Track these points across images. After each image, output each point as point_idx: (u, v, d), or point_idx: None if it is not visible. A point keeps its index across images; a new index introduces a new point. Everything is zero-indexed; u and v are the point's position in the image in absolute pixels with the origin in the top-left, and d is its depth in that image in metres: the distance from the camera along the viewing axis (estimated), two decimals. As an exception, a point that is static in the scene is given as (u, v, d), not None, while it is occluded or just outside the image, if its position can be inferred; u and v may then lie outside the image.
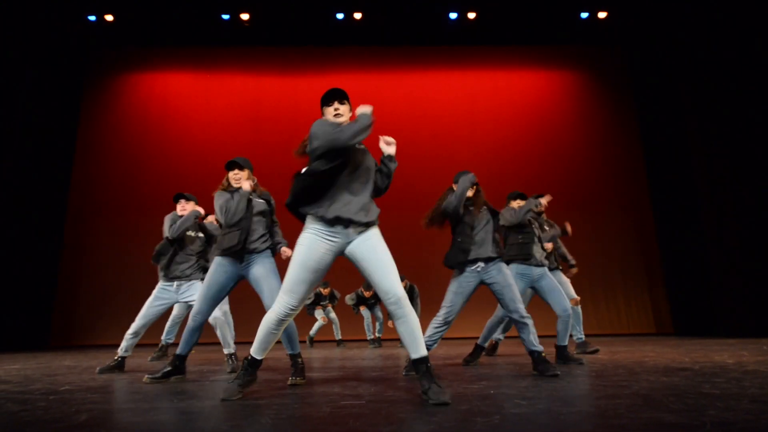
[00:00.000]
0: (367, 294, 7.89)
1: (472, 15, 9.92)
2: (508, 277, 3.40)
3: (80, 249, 9.63)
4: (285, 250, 3.33)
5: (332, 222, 2.28)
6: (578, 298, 5.06)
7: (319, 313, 8.08)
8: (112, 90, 10.49)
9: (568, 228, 5.15)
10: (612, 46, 10.95)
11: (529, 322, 3.31)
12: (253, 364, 2.48)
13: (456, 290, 3.47)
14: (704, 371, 3.10)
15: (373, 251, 2.29)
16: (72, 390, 2.85)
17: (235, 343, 4.37)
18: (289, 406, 2.17)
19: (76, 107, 10.15)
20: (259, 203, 3.32)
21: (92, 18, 9.52)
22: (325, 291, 8.05)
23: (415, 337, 2.23)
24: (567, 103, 10.90)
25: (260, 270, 3.17)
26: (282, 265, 2.83)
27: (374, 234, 2.35)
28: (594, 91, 10.93)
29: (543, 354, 3.23)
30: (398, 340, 8.74)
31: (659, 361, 3.85)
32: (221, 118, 10.43)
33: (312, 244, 2.30)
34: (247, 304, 6.11)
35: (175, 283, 4.12)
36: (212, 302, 3.24)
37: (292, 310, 2.36)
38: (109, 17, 9.52)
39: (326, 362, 4.62)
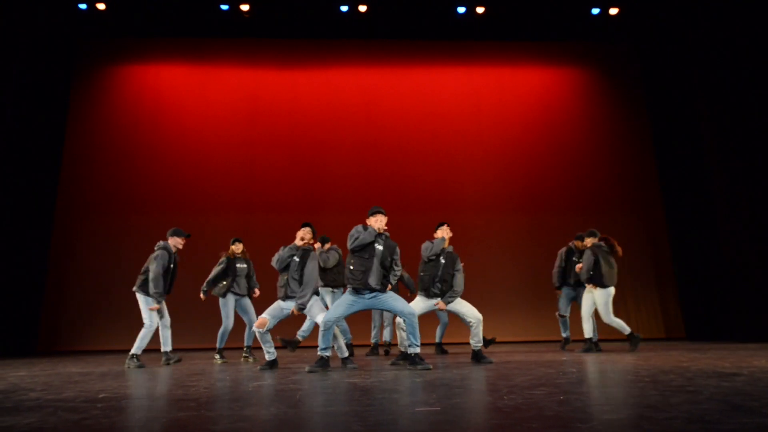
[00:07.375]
0: None
1: (480, 9, 9.98)
2: None
3: (69, 250, 9.45)
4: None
5: None
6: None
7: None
8: (102, 83, 10.30)
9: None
10: (623, 44, 11.10)
11: None
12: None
13: None
14: (759, 376, 3.18)
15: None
16: (111, 397, 2.81)
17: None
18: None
19: (64, 101, 9.92)
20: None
21: (83, 6, 9.38)
22: None
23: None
24: (576, 102, 11.02)
25: None
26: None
27: None
28: (604, 89, 11.06)
29: None
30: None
31: (701, 367, 3.93)
32: (217, 112, 10.32)
33: None
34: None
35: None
36: None
37: None
38: (100, 5, 9.38)
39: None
